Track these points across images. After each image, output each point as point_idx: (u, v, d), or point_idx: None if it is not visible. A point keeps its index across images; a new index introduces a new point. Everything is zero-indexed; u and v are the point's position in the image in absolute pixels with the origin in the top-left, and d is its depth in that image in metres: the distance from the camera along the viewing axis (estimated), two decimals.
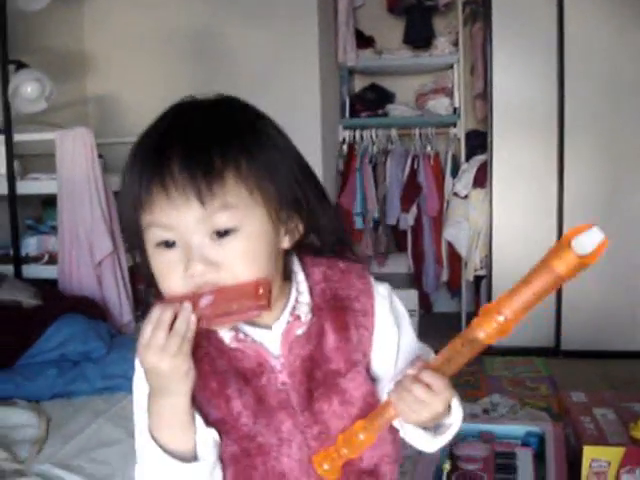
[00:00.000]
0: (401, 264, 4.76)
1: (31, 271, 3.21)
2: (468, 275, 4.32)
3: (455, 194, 4.31)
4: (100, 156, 3.24)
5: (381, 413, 0.86)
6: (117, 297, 3.10)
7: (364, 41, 4.71)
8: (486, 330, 0.80)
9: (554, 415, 2.59)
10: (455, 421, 0.92)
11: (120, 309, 3.11)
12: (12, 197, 3.16)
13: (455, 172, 4.49)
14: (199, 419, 0.87)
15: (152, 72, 4.25)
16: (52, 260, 3.22)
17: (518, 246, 3.98)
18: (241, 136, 0.85)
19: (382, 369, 0.96)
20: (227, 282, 0.82)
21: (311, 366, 0.90)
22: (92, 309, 2.84)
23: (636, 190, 3.90)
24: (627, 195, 3.90)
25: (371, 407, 0.91)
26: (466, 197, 4.23)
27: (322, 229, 0.93)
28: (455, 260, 4.50)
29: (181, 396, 0.84)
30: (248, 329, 0.91)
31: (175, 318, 0.82)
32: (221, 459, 0.91)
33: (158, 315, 0.82)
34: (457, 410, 0.92)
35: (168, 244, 0.84)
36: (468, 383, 3.43)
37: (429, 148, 4.59)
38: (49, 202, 3.44)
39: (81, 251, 3.05)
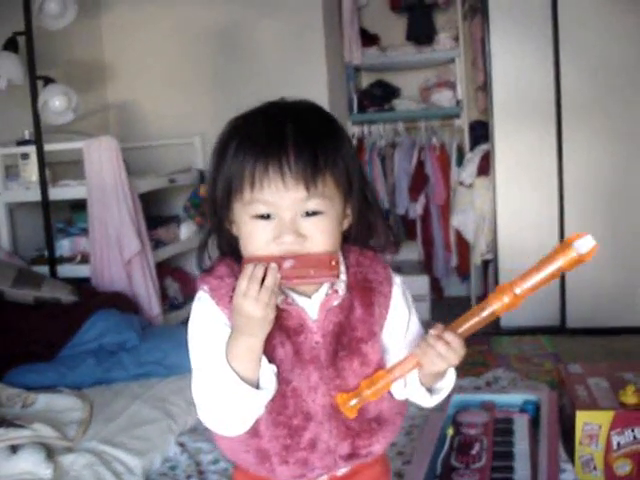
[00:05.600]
0: (412, 251, 4.96)
1: (65, 271, 3.42)
2: (476, 260, 4.51)
3: (461, 183, 4.50)
4: (123, 161, 3.45)
5: (402, 365, 1.07)
6: (146, 292, 3.34)
7: (369, 39, 4.89)
8: (500, 303, 1.02)
9: (554, 387, 2.76)
10: (448, 384, 1.15)
11: (149, 303, 3.34)
12: (45, 203, 3.38)
13: (460, 162, 4.68)
14: (264, 357, 1.05)
15: (167, 78, 4.46)
16: (84, 260, 3.44)
17: (522, 230, 4.15)
18: (335, 141, 1.08)
19: (391, 342, 1.17)
20: (308, 251, 1.03)
21: (340, 331, 1.11)
22: (124, 304, 3.07)
23: (634, 170, 4.04)
24: (626, 176, 4.05)
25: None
26: (471, 185, 4.41)
27: (366, 225, 1.15)
28: (463, 246, 4.70)
29: (259, 338, 1.02)
30: (293, 295, 1.11)
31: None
32: None
33: (251, 271, 1.00)
34: (451, 374, 1.14)
35: (264, 217, 1.04)
36: (477, 361, 3.63)
37: (434, 139, 4.79)
38: (77, 206, 3.67)
39: (111, 251, 3.27)
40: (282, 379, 1.09)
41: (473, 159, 4.44)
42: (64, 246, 3.51)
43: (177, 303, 3.94)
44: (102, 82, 4.54)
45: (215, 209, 1.11)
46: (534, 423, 2.25)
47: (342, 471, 1.19)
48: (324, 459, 1.14)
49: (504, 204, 4.20)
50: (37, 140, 3.37)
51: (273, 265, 1.00)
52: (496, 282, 4.25)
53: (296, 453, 1.12)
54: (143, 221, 3.44)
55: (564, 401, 2.44)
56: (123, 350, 2.73)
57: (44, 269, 3.37)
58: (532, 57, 4.10)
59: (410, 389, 1.14)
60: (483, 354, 3.76)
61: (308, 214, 1.04)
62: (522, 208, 4.18)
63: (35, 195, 3.41)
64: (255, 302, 0.98)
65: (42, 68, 3.48)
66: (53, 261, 3.41)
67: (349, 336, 1.11)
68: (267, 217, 1.04)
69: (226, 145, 1.08)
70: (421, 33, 4.80)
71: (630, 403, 2.26)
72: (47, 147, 3.42)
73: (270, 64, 4.29)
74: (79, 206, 3.59)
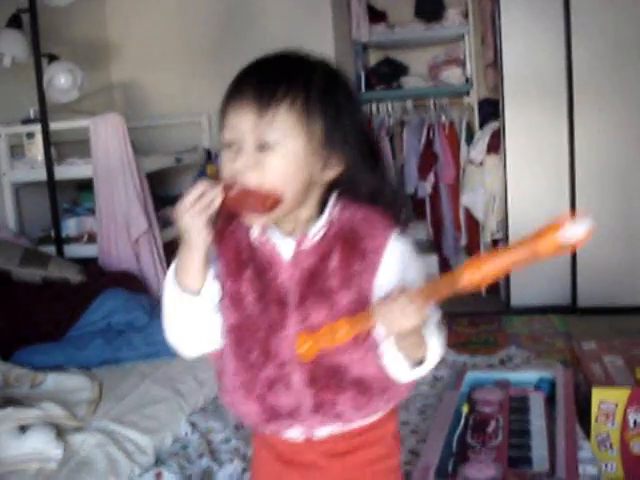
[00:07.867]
0: (420, 231, 4.91)
1: (72, 250, 3.40)
2: (486, 239, 4.46)
3: (470, 161, 4.45)
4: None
5: (363, 318, 1.01)
6: (154, 271, 3.31)
7: (376, 16, 4.83)
8: (467, 280, 0.95)
9: (567, 365, 2.74)
10: (431, 357, 1.09)
11: (158, 282, 3.30)
12: (51, 182, 3.35)
13: (470, 140, 4.62)
14: (211, 273, 1.12)
15: (173, 56, 4.41)
16: (91, 239, 3.42)
17: (532, 209, 4.09)
18: (308, 81, 1.07)
19: None
20: (252, 184, 1.04)
21: (310, 277, 1.10)
22: (132, 283, 3.04)
23: None
24: (638, 154, 3.99)
25: None
26: (481, 164, 4.37)
27: (358, 179, 1.12)
28: (473, 225, 4.65)
29: (196, 249, 1.07)
30: (276, 234, 1.12)
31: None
32: (225, 327, 1.15)
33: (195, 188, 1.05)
34: (434, 347, 1.09)
35: (230, 145, 1.06)
36: (488, 340, 3.60)
37: (444, 117, 4.73)
38: (84, 186, 3.64)
39: (118, 230, 3.24)
40: (246, 312, 1.13)
41: (483, 137, 4.39)
42: (70, 226, 3.49)
43: None
44: (106, 60, 4.49)
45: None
46: (549, 401, 2.22)
47: (320, 433, 1.15)
48: (288, 404, 1.12)
49: (515, 182, 4.15)
50: (42, 119, 3.33)
51: (216, 187, 1.04)
52: None
53: (255, 390, 1.13)
54: (150, 200, 3.40)
55: (579, 379, 2.41)
56: (132, 329, 2.71)
57: (51, 249, 3.34)
58: (543, 33, 4.03)
59: (387, 357, 1.10)
60: (493, 334, 3.73)
61: (262, 148, 1.04)
62: (533, 186, 4.13)
63: (41, 174, 3.38)
64: (185, 211, 1.04)
65: (46, 46, 3.44)
66: (60, 241, 3.38)
67: (321, 284, 1.10)
68: (231, 146, 1.06)
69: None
70: (430, 9, 4.72)
71: None
72: (53, 126, 3.38)
73: (277, 42, 4.17)
74: (86, 186, 3.56)
